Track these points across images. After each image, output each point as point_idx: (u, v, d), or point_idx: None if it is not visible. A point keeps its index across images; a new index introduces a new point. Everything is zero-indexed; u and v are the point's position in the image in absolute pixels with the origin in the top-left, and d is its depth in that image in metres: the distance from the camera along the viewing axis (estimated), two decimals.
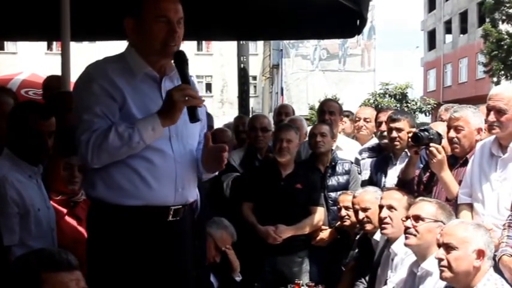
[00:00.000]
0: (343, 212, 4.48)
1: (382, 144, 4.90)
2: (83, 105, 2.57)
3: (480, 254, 2.80)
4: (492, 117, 3.40)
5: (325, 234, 4.74)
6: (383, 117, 4.88)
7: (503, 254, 3.06)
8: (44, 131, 3.09)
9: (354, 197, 4.18)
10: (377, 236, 3.95)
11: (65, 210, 3.47)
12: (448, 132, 3.82)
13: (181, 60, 2.64)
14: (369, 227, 4.02)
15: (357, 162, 5.06)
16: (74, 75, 4.90)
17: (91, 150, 2.50)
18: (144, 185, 2.59)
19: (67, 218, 3.46)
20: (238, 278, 4.12)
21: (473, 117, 3.75)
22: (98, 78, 2.56)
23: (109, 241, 2.59)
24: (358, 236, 4.38)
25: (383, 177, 4.61)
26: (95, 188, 2.60)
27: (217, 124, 6.87)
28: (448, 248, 2.83)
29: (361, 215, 4.05)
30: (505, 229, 3.17)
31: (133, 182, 2.58)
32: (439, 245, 2.88)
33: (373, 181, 4.61)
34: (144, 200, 2.59)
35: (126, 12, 2.63)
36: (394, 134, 4.47)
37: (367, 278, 4.05)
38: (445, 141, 3.86)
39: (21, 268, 1.88)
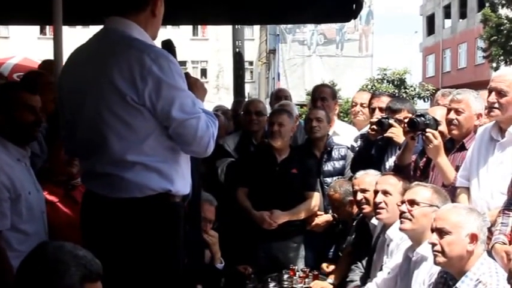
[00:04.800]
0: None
1: (371, 137, 4.46)
2: (185, 91, 2.48)
3: (473, 238, 2.79)
4: (493, 98, 3.38)
5: (320, 219, 4.72)
6: (376, 103, 4.76)
7: (496, 242, 3.05)
8: (36, 106, 3.08)
9: (355, 178, 4.16)
10: (375, 221, 3.93)
11: (61, 192, 3.49)
12: (447, 113, 3.80)
13: (172, 50, 2.67)
14: (366, 209, 3.99)
15: (353, 149, 4.98)
16: None
17: (214, 140, 2.54)
18: (189, 171, 2.66)
19: (63, 201, 3.48)
20: (220, 265, 4.09)
21: (474, 102, 3.75)
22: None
23: (165, 233, 2.54)
24: (355, 222, 4.36)
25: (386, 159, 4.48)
26: (173, 183, 2.53)
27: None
28: (441, 232, 2.81)
29: (360, 196, 4.02)
30: (499, 216, 3.16)
31: (188, 170, 2.65)
32: (433, 230, 2.87)
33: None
34: (189, 186, 2.66)
35: None
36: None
37: (363, 262, 4.04)
38: (441, 127, 3.83)
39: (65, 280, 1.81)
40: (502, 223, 3.10)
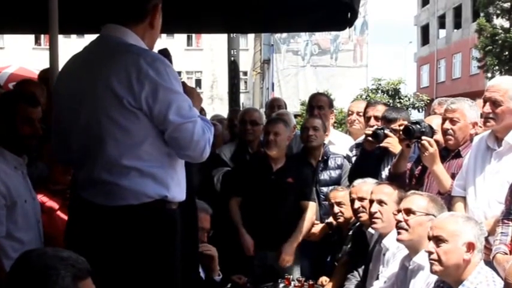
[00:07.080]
0: (336, 209, 4.44)
1: (367, 147, 4.43)
2: (182, 95, 2.49)
3: (470, 246, 2.78)
4: (488, 108, 3.38)
5: (316, 229, 4.70)
6: (371, 111, 4.76)
7: (497, 252, 3.04)
8: (35, 119, 3.07)
9: (353, 186, 4.15)
10: (372, 229, 3.92)
11: (59, 202, 3.49)
12: (443, 123, 3.79)
13: (168, 59, 2.66)
14: (364, 217, 3.98)
15: (349, 158, 4.97)
16: None
17: (210, 146, 2.55)
18: (184, 178, 2.65)
19: (61, 210, 3.47)
20: (218, 278, 4.06)
21: (469, 111, 3.73)
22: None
23: (162, 240, 2.53)
24: (351, 231, 4.35)
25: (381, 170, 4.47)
26: (169, 188, 2.52)
27: None
28: (437, 241, 2.80)
29: (357, 204, 4.01)
30: (498, 226, 3.15)
31: (183, 177, 2.64)
32: (429, 238, 2.86)
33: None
34: (185, 193, 2.64)
35: None
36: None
37: (360, 270, 4.02)
38: (437, 136, 3.82)
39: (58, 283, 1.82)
40: (502, 233, 3.09)
